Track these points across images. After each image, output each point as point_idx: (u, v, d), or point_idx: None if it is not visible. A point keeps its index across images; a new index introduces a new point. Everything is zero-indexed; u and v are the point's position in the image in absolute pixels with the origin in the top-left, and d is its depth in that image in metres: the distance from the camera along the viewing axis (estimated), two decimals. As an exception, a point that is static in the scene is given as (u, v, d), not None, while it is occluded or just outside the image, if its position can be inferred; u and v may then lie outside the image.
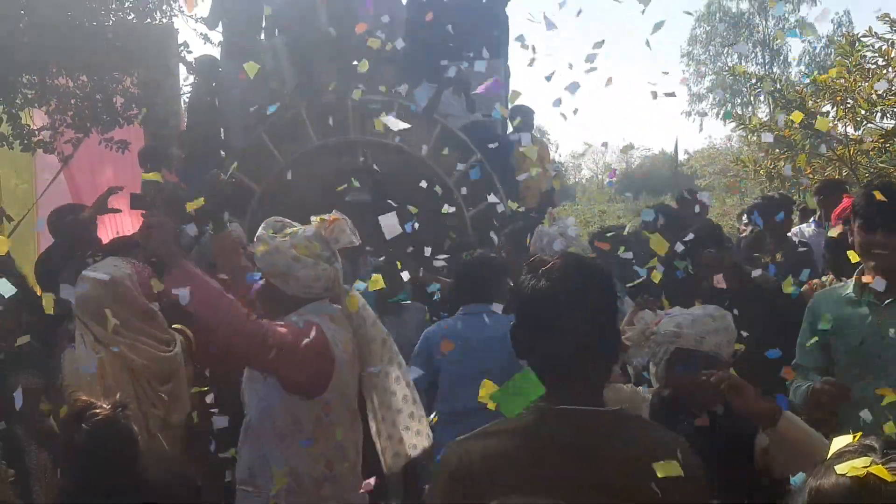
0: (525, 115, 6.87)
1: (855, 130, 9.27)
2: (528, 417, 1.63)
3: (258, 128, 6.31)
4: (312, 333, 2.50)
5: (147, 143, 7.16)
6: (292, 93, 6.36)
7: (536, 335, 1.69)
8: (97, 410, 2.17)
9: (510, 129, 7.29)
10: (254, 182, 6.11)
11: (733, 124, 9.45)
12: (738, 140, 8.90)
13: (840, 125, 8.78)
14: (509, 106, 6.41)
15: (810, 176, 9.24)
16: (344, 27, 6.26)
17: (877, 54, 8.98)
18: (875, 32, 9.15)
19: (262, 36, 7.21)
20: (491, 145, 6.23)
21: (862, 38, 9.26)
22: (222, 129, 7.07)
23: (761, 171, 9.11)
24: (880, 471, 0.95)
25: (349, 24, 6.05)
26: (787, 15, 48.50)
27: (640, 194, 39.37)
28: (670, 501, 1.52)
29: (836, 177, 9.32)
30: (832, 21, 41.62)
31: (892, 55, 9.02)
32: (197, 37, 8.32)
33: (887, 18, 9.73)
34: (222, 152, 6.39)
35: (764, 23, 48.65)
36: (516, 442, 1.61)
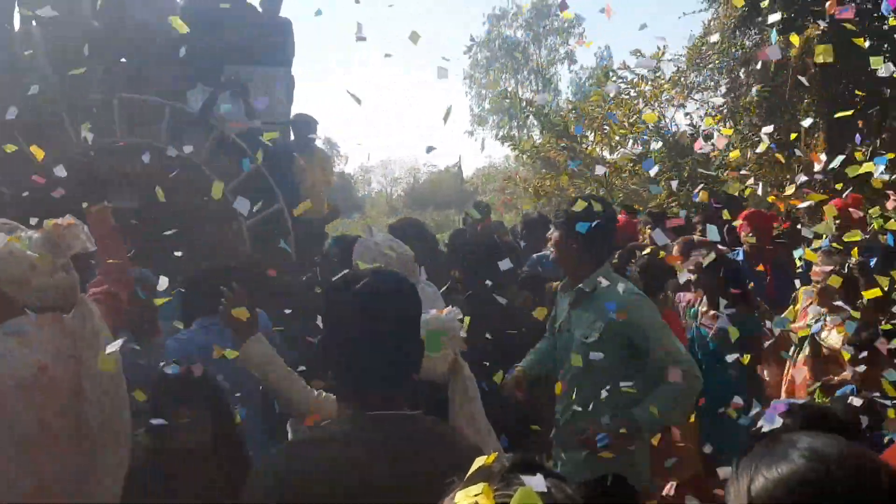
0: (306, 125, 6.84)
1: (610, 154, 10.28)
2: (344, 425, 1.71)
3: (11, 128, 5.71)
4: None
5: None
6: (50, 90, 5.83)
7: (346, 347, 1.74)
8: None
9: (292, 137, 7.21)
10: (5, 186, 5.51)
11: (508, 145, 10.06)
12: (515, 160, 9.53)
13: (597, 149, 9.69)
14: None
15: (572, 194, 10.09)
16: (112, 21, 5.86)
17: (629, 86, 10.04)
18: (628, 66, 10.24)
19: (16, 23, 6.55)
20: (270, 154, 6.11)
21: (617, 70, 10.31)
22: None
23: (530, 189, 9.83)
24: (487, 498, 0.90)
25: (117, 17, 5.69)
26: (557, 46, 52.55)
27: (427, 208, 40.66)
28: None
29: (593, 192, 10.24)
30: (595, 55, 45.66)
31: (642, 87, 10.13)
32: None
33: (639, 54, 10.93)
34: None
35: (538, 52, 52.35)
36: (334, 449, 1.64)
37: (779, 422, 1.65)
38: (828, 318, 3.90)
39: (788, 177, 11.70)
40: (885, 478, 1.01)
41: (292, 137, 7.17)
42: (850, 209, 5.67)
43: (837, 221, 5.59)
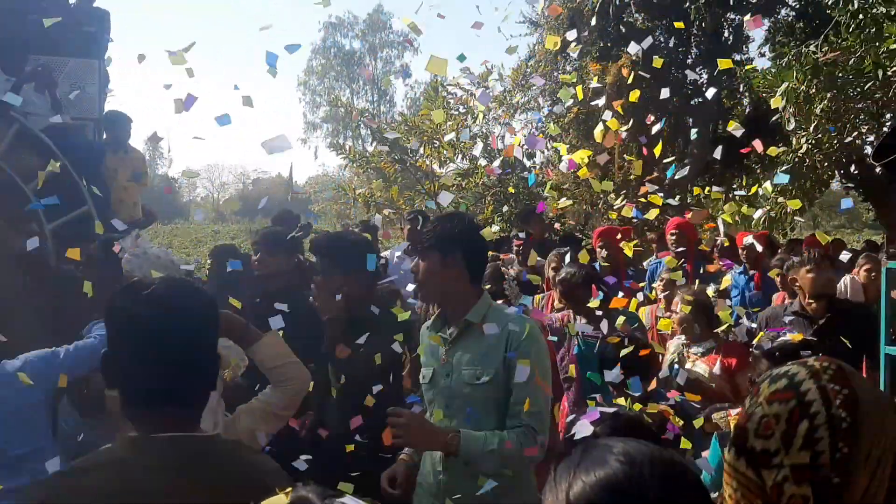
0: (119, 122, 6.42)
1: (440, 168, 10.48)
2: (122, 450, 1.54)
3: None
4: None
5: None
6: None
7: (130, 362, 1.59)
8: None
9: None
10: None
11: (339, 154, 9.99)
12: (349, 169, 9.48)
13: (427, 162, 9.85)
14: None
15: (403, 206, 10.20)
16: None
17: (460, 103, 10.31)
18: (458, 83, 10.51)
19: None
20: (78, 151, 5.68)
21: (447, 86, 10.55)
22: None
23: (360, 199, 9.82)
24: None
25: None
26: (393, 59, 53.12)
27: (255, 216, 39.50)
28: None
29: (423, 207, 10.40)
30: (428, 70, 46.59)
31: (471, 104, 10.43)
32: None
33: (468, 71, 11.26)
34: None
35: (373, 63, 52.65)
36: (108, 476, 1.49)
37: (590, 429, 1.73)
38: (691, 349, 4.03)
39: (601, 196, 12.54)
40: (692, 479, 1.07)
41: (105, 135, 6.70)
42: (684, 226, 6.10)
43: (673, 237, 6.07)
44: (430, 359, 2.74)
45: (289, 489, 0.99)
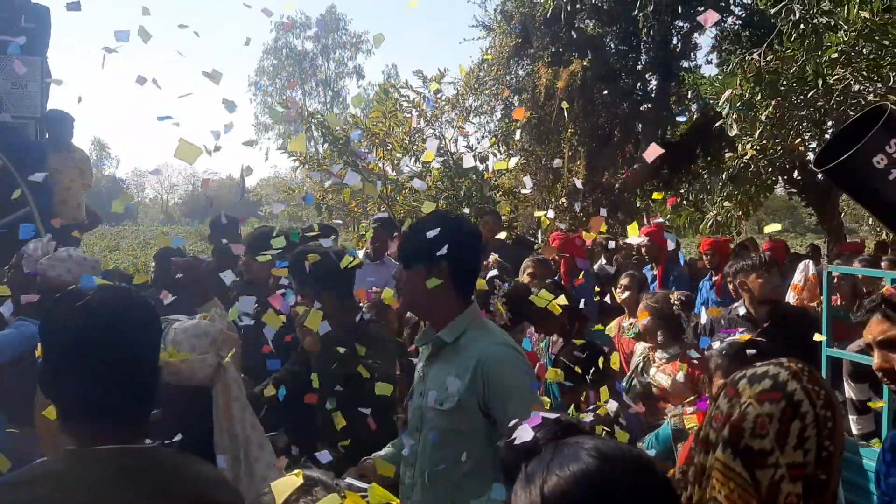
0: (62, 121, 6.24)
1: (392, 170, 10.44)
2: (59, 463, 1.49)
3: None
4: None
5: None
6: None
7: (66, 374, 1.54)
8: None
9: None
10: None
11: (289, 156, 9.87)
12: (301, 171, 9.39)
13: (381, 164, 9.80)
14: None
15: (356, 209, 10.13)
16: None
17: (411, 105, 10.28)
18: (410, 85, 10.49)
19: None
20: (19, 151, 5.51)
21: (400, 89, 10.52)
22: None
23: (312, 203, 9.74)
24: (356, 500, 0.98)
25: None
26: (346, 60, 52.89)
27: (206, 219, 38.90)
28: None
29: (377, 211, 10.34)
30: (382, 72, 46.53)
31: (423, 108, 10.41)
32: None
33: (420, 74, 11.25)
34: None
35: (326, 64, 52.33)
36: (44, 490, 1.43)
37: (531, 434, 1.73)
38: (656, 354, 4.03)
39: (553, 199, 12.66)
40: (660, 477, 1.12)
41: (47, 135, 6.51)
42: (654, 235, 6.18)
43: (646, 244, 6.16)
44: (417, 374, 2.56)
45: (298, 471, 1.06)
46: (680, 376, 3.79)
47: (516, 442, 1.70)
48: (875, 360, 1.99)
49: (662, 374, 3.93)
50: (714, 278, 6.11)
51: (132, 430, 1.59)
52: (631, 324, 4.56)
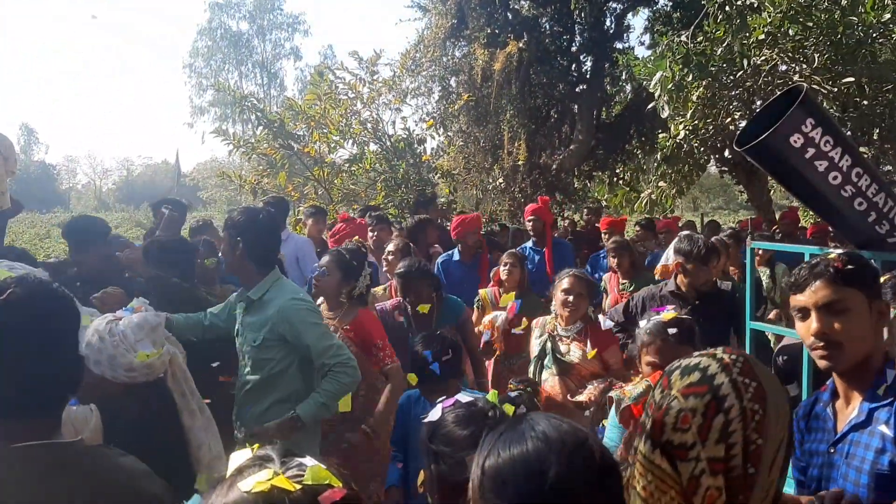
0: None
1: (329, 153, 10.32)
2: None
3: None
4: None
5: None
6: None
7: None
8: None
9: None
10: None
11: (222, 140, 9.66)
12: (236, 155, 9.16)
13: (316, 147, 9.67)
14: None
15: (292, 193, 9.99)
16: None
17: (347, 87, 10.16)
18: (346, 67, 10.36)
19: None
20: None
21: (336, 71, 10.38)
22: None
23: (246, 186, 9.55)
24: (283, 481, 0.96)
25: None
26: (283, 42, 51.94)
27: (141, 204, 37.88)
28: None
29: (314, 197, 10.22)
30: (319, 53, 45.85)
31: (360, 89, 10.31)
32: None
33: (356, 56, 11.12)
34: None
35: (262, 46, 51.29)
36: None
37: (439, 413, 1.81)
38: (561, 333, 4.10)
39: (491, 180, 12.72)
40: (599, 460, 1.17)
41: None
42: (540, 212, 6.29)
43: (530, 223, 6.26)
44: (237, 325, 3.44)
45: (255, 445, 1.08)
46: (590, 353, 3.93)
47: (425, 420, 1.86)
48: (814, 325, 1.90)
49: (574, 351, 4.04)
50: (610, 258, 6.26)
51: (52, 426, 1.57)
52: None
